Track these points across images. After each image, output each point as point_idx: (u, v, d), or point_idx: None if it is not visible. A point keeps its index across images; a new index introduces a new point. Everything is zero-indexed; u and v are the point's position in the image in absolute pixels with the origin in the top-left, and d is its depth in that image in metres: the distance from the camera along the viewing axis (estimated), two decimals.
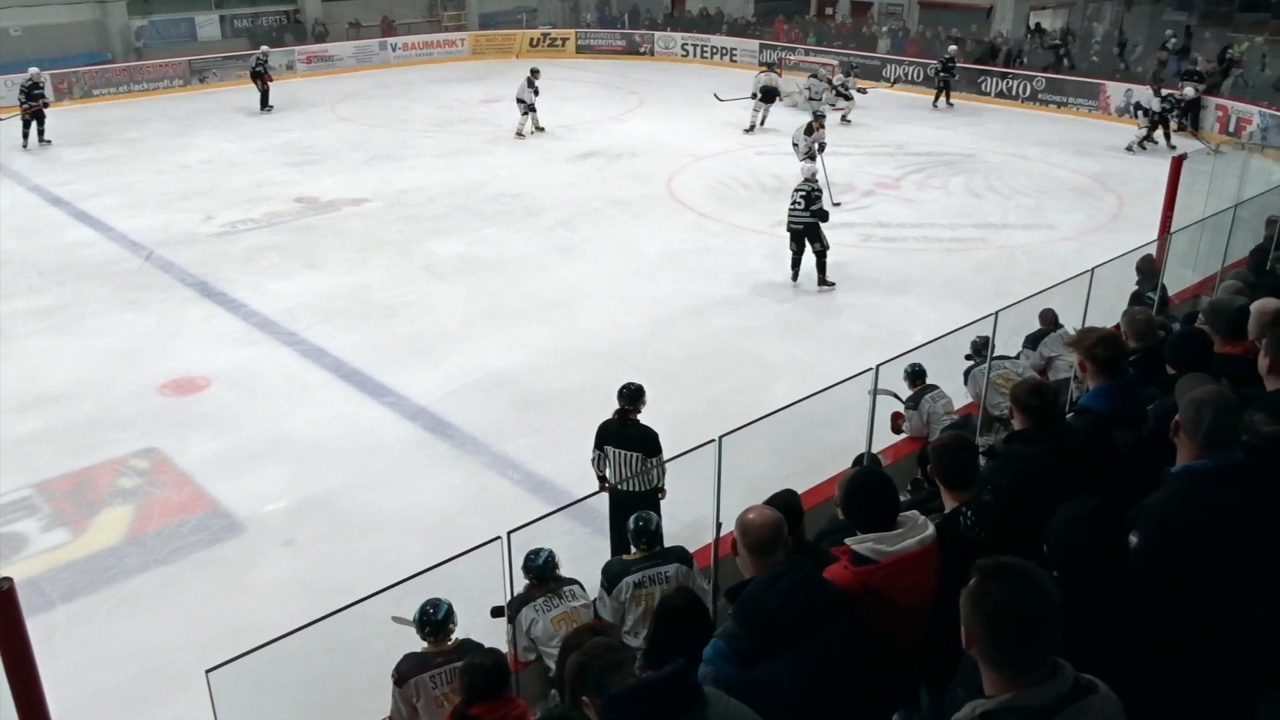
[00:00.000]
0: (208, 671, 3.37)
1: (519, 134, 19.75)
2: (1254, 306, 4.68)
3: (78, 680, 5.85)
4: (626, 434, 6.57)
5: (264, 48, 23.32)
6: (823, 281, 11.92)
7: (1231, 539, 2.82)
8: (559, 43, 30.45)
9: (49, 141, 19.12)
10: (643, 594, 5.02)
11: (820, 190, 11.97)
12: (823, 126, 16.05)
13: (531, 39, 30.50)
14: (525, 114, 19.70)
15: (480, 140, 19.55)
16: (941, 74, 22.93)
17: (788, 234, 12.03)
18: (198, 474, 8.18)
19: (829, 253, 11.92)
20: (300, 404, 9.36)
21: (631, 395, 6.64)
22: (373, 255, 13.32)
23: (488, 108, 22.35)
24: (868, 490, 3.21)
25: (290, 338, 10.77)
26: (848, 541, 3.10)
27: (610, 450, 6.62)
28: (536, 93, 19.53)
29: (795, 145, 16.07)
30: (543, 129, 19.98)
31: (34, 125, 18.93)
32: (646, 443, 6.56)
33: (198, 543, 7.35)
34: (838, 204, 14.79)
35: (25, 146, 18.77)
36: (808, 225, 11.76)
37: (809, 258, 11.99)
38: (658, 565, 5.09)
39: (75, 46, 24.81)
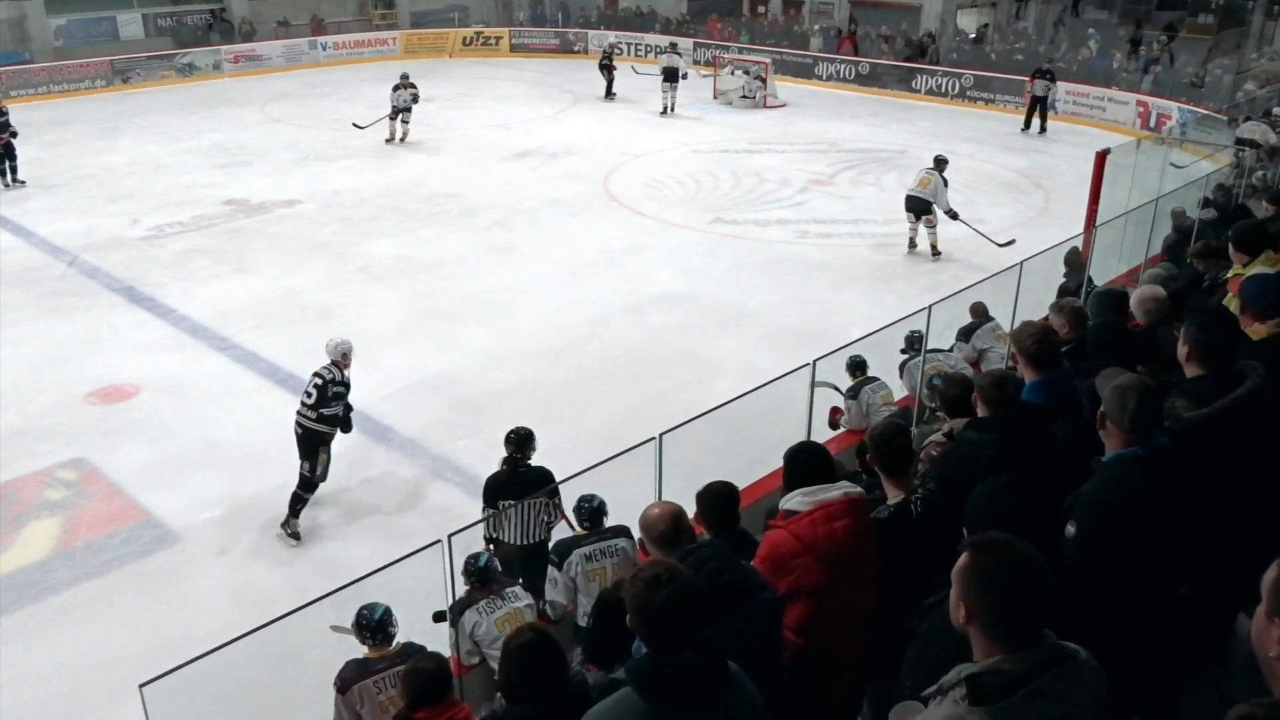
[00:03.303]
0: (142, 686, 3.30)
1: (392, 139, 19.00)
2: (1137, 293, 5.01)
3: (6, 700, 5.71)
4: (521, 480, 5.93)
5: (611, 39, 23.54)
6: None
7: (1161, 523, 2.88)
8: (492, 41, 30.29)
9: (22, 182, 16.05)
10: (594, 568, 5.09)
11: (343, 384, 7.40)
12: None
13: (464, 38, 30.30)
14: (404, 121, 19.00)
15: (413, 139, 19.30)
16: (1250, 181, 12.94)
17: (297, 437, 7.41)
18: (128, 484, 7.99)
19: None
20: (233, 410, 9.18)
21: (520, 441, 6.00)
22: (306, 257, 13.11)
23: (420, 107, 22.08)
24: (807, 453, 3.45)
25: (222, 343, 10.55)
26: (780, 503, 3.30)
27: (507, 505, 5.83)
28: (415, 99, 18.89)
29: (921, 217, 12.74)
30: (403, 140, 19.04)
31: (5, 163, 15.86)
32: (546, 480, 5.90)
33: (129, 554, 7.17)
34: (1011, 242, 12.50)
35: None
36: (310, 432, 7.25)
37: None
38: (606, 539, 5.20)
39: None
